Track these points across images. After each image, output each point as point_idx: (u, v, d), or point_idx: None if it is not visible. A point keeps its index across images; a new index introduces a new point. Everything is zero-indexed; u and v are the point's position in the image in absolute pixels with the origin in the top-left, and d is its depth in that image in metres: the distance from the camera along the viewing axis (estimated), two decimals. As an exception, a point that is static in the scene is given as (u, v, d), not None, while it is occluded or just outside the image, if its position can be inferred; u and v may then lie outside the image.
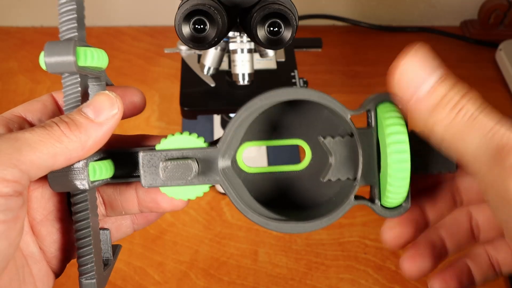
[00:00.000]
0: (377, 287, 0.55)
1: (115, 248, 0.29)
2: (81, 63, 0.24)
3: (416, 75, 0.23)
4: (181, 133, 0.27)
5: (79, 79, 0.25)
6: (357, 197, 0.27)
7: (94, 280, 0.25)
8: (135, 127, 0.69)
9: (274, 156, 0.64)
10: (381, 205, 0.27)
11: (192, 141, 0.26)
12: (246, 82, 0.53)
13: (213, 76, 0.60)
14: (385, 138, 0.25)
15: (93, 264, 0.25)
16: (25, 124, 0.26)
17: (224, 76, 0.60)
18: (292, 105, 0.29)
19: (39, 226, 0.26)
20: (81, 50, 0.24)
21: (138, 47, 0.82)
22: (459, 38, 0.84)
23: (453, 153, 0.23)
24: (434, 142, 0.23)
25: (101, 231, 0.28)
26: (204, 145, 0.27)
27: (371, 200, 0.27)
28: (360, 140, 0.26)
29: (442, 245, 0.29)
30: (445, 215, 0.30)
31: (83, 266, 0.25)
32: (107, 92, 0.25)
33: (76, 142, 0.23)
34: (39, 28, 0.86)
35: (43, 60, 0.24)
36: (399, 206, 0.26)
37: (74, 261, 0.28)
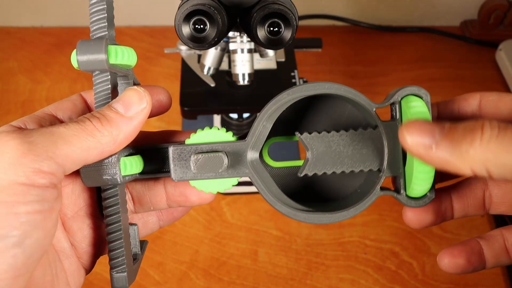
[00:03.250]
0: (377, 287, 0.55)
1: (142, 244, 0.30)
2: (112, 60, 0.25)
3: (424, 127, 0.23)
4: (210, 127, 0.27)
5: (109, 76, 0.25)
6: (382, 188, 0.27)
7: (125, 274, 0.26)
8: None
9: (273, 153, 0.64)
10: (406, 195, 0.27)
11: (221, 135, 0.27)
12: (246, 82, 0.53)
13: (213, 76, 0.60)
14: None
15: (124, 258, 0.26)
16: (56, 122, 0.26)
17: (224, 76, 0.60)
18: (315, 101, 0.29)
19: (70, 222, 0.27)
20: (112, 48, 0.25)
21: (138, 47, 0.82)
22: (459, 38, 0.84)
23: (502, 176, 0.22)
24: (479, 174, 0.23)
25: (130, 227, 0.28)
26: (233, 139, 0.27)
27: (396, 190, 0.28)
28: (385, 132, 0.27)
29: (449, 205, 0.29)
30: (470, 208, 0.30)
31: (114, 259, 0.26)
32: (135, 87, 0.25)
33: (108, 137, 0.24)
34: (39, 28, 0.86)
35: (75, 58, 0.24)
36: (424, 196, 0.27)
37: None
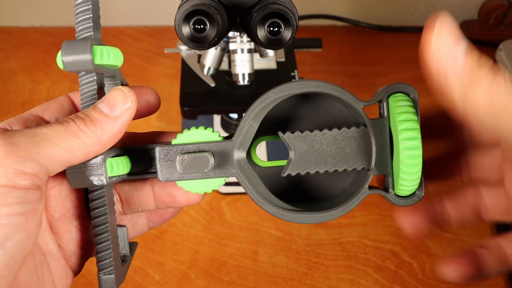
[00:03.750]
0: (377, 287, 0.55)
1: (132, 245, 0.29)
2: (98, 61, 0.24)
3: (448, 48, 0.22)
4: (197, 127, 0.27)
5: (95, 77, 0.25)
6: (371, 187, 0.27)
7: (113, 275, 0.26)
8: (135, 127, 0.69)
9: (273, 151, 0.64)
10: (395, 194, 0.27)
11: (208, 135, 0.27)
12: (246, 82, 0.53)
13: (213, 76, 0.60)
14: (396, 127, 0.25)
15: (111, 259, 0.26)
16: (42, 124, 0.26)
17: (224, 76, 0.60)
18: (303, 100, 0.29)
19: (57, 224, 0.27)
20: (98, 48, 0.24)
21: (138, 47, 0.82)
22: (459, 38, 0.84)
23: (494, 129, 0.21)
24: (472, 120, 0.22)
25: (118, 228, 0.28)
26: (219, 138, 0.27)
27: (385, 189, 0.27)
28: (373, 130, 0.27)
29: (443, 212, 0.29)
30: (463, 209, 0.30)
31: (102, 261, 0.26)
32: (120, 87, 0.25)
33: (92, 137, 0.23)
34: (39, 28, 0.86)
35: (61, 59, 0.24)
36: (413, 194, 0.27)
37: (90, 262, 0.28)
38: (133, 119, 0.27)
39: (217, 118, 0.68)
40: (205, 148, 0.27)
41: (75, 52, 0.24)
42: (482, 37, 0.83)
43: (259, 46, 0.51)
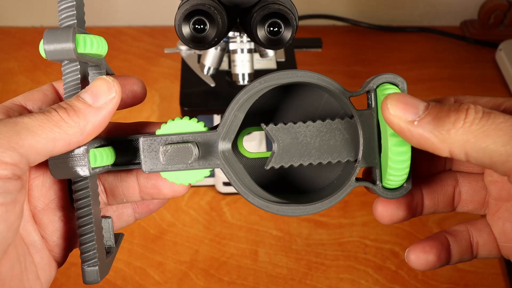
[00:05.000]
0: (377, 287, 0.55)
1: (118, 237, 0.29)
2: (81, 50, 0.24)
3: (408, 101, 0.23)
4: (181, 118, 0.27)
5: (79, 66, 0.25)
6: (358, 179, 0.27)
7: (97, 267, 0.25)
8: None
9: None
10: (382, 186, 0.26)
11: (192, 125, 0.27)
12: (246, 82, 0.53)
13: (213, 76, 0.60)
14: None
15: (95, 251, 0.25)
16: (25, 113, 0.26)
17: (224, 76, 0.60)
18: (293, 90, 0.28)
19: (40, 215, 0.26)
20: (81, 37, 0.24)
21: (138, 47, 0.82)
22: (459, 38, 0.84)
23: (479, 160, 0.22)
24: (456, 157, 0.22)
25: (103, 219, 0.28)
26: (204, 129, 0.27)
27: (373, 182, 0.27)
28: (360, 121, 0.26)
29: (420, 200, 0.29)
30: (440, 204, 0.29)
31: (85, 253, 0.25)
32: (104, 76, 0.25)
33: (74, 127, 0.23)
34: (39, 28, 0.86)
35: (43, 47, 0.23)
36: (401, 187, 0.26)
37: (74, 260, 0.28)
38: (118, 109, 0.27)
39: (217, 118, 0.68)
40: (189, 138, 0.26)
41: (57, 41, 0.23)
42: (482, 37, 0.83)
43: (259, 46, 0.51)
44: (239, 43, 0.51)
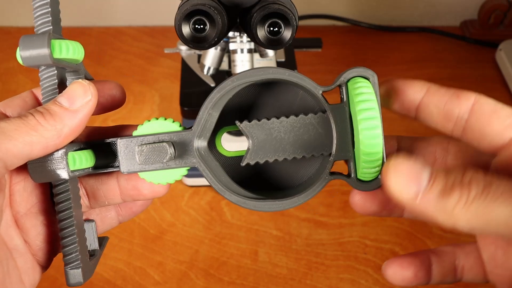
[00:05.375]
0: (377, 287, 0.55)
1: (102, 240, 0.29)
2: (57, 55, 0.24)
3: (411, 171, 0.22)
4: (157, 118, 0.27)
5: (56, 71, 0.25)
6: (332, 173, 0.27)
7: (80, 270, 0.25)
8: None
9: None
10: (357, 178, 0.27)
11: (168, 125, 0.27)
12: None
13: (213, 76, 0.60)
14: (355, 108, 0.25)
15: (78, 253, 0.25)
16: (3, 119, 0.26)
17: (224, 76, 0.60)
18: (269, 87, 0.29)
19: (23, 219, 0.26)
20: (56, 42, 0.24)
21: (138, 47, 0.82)
22: (459, 38, 0.84)
23: (485, 231, 0.22)
24: (460, 230, 0.22)
25: (86, 222, 0.28)
26: (179, 128, 0.27)
27: (348, 175, 0.27)
28: (333, 116, 0.26)
29: (429, 270, 0.28)
30: None
31: (68, 256, 0.26)
32: (80, 80, 0.25)
33: (51, 131, 0.23)
34: (39, 28, 0.86)
35: (19, 54, 0.24)
36: (375, 179, 0.26)
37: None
38: (98, 113, 0.27)
39: (217, 118, 0.68)
40: (165, 138, 0.27)
41: (33, 47, 0.23)
42: (482, 37, 0.83)
43: (259, 46, 0.51)
44: (239, 43, 0.51)
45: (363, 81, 0.25)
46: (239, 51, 0.51)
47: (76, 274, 0.26)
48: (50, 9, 0.24)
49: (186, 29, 0.36)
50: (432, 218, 0.22)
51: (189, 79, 0.61)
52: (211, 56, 0.54)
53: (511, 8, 0.80)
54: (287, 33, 0.37)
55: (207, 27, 0.37)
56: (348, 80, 0.26)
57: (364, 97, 0.25)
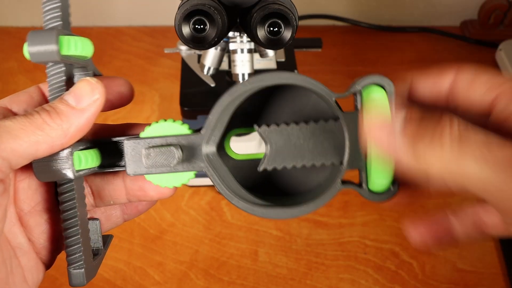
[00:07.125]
0: (377, 287, 0.55)
1: (106, 239, 0.29)
2: (65, 52, 0.24)
3: (383, 123, 0.22)
4: (165, 120, 0.26)
5: (64, 68, 0.24)
6: (344, 182, 0.26)
7: (83, 270, 0.25)
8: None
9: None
10: (368, 189, 0.26)
11: (176, 128, 0.26)
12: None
13: (213, 76, 0.60)
14: None
15: (81, 253, 0.25)
16: (9, 115, 0.26)
17: (224, 76, 0.60)
18: (280, 90, 0.28)
19: (27, 217, 0.26)
20: (64, 38, 0.24)
21: (138, 47, 0.82)
22: (459, 38, 0.84)
23: (457, 184, 0.21)
24: (434, 181, 0.22)
25: (90, 221, 0.28)
26: (188, 131, 0.26)
27: (359, 184, 0.27)
28: (346, 123, 0.26)
29: (450, 228, 0.27)
30: None
31: (71, 255, 0.25)
32: (88, 78, 0.24)
33: (58, 130, 0.23)
34: (39, 28, 0.86)
35: (27, 49, 0.23)
36: (387, 190, 0.26)
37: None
38: (105, 110, 0.26)
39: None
40: (173, 141, 0.26)
41: (41, 42, 0.23)
42: (482, 37, 0.83)
43: (259, 46, 0.51)
44: (239, 43, 0.51)
45: (379, 91, 0.25)
46: (239, 51, 0.51)
47: (79, 275, 0.25)
48: (60, 4, 0.24)
49: (186, 29, 0.36)
50: (407, 164, 0.21)
51: (189, 79, 0.61)
52: (211, 56, 0.54)
53: (511, 8, 0.80)
54: (287, 33, 0.37)
55: (207, 27, 0.37)
56: (363, 88, 0.26)
57: (378, 103, 0.24)
